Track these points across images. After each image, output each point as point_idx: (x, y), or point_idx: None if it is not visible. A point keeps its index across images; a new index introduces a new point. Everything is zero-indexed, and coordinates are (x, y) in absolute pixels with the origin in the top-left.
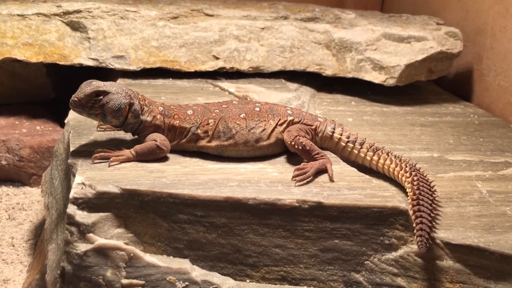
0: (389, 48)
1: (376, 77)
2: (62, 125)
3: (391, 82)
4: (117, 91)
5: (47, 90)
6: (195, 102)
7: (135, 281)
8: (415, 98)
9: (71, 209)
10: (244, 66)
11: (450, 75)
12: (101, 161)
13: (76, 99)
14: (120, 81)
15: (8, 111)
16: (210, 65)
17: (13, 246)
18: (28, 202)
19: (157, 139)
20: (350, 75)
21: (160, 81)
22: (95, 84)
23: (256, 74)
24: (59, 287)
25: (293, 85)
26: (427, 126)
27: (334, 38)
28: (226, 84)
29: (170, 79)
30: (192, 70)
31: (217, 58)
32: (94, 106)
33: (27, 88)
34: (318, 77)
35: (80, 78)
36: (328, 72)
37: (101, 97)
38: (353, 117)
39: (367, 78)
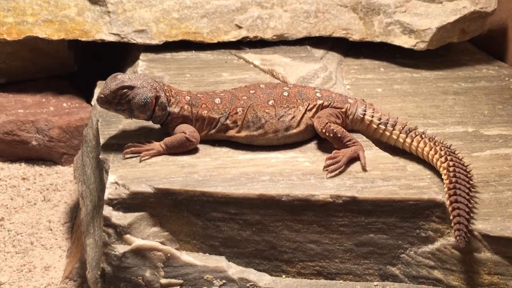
0: (420, 9)
1: (406, 42)
2: (88, 100)
3: (421, 46)
4: (143, 84)
5: (70, 63)
6: (220, 78)
7: (173, 280)
8: (447, 60)
9: (107, 210)
10: (268, 35)
11: (483, 33)
12: (132, 155)
13: (102, 95)
14: (142, 56)
15: (33, 88)
16: (233, 35)
17: (51, 230)
18: (62, 182)
19: (186, 131)
20: (378, 40)
21: (183, 54)
22: (120, 79)
23: (281, 42)
24: (100, 287)
25: (318, 52)
26: (460, 94)
27: (361, 0)
28: (250, 56)
29: (193, 51)
30: (215, 41)
31: (239, 27)
32: (120, 101)
33: (50, 62)
34: (344, 41)
35: (101, 51)
36: (355, 36)
37: (127, 91)
38: (382, 87)
39: (396, 42)
